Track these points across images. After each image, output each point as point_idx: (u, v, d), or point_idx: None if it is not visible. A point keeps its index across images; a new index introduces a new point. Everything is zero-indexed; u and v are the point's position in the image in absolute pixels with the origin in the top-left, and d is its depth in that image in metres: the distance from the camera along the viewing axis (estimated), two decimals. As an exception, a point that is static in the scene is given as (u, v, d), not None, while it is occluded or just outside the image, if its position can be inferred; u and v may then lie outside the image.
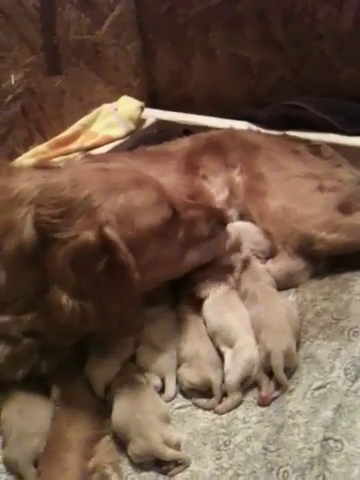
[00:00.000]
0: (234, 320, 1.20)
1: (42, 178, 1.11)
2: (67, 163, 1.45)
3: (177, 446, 1.02)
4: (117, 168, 1.17)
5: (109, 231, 1.00)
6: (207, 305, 1.26)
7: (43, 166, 1.23)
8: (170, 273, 1.23)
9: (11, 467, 1.02)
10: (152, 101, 2.39)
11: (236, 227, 1.44)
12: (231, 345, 1.16)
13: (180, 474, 0.99)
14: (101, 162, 1.46)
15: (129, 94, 2.23)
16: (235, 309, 1.24)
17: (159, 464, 1.00)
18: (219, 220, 1.29)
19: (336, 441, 0.97)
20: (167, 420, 1.06)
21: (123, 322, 1.06)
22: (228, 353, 1.16)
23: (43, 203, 1.03)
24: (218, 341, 1.19)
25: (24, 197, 1.06)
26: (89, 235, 0.99)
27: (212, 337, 1.21)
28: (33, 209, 1.03)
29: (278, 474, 0.95)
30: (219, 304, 1.25)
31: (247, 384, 1.11)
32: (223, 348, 1.18)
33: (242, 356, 1.12)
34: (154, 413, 1.04)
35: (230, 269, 1.34)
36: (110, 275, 1.00)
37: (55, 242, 1.00)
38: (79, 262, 0.99)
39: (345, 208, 1.39)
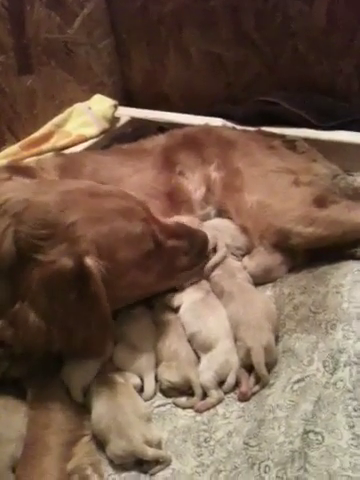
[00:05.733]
0: (214, 324, 1.19)
1: (31, 192, 1.09)
2: (38, 164, 1.44)
3: (158, 445, 1.02)
4: (108, 192, 1.14)
5: (89, 262, 0.99)
6: (185, 309, 1.24)
7: (14, 167, 1.20)
8: (145, 295, 1.24)
9: (-12, 474, 1.01)
10: (127, 100, 2.37)
11: (213, 226, 1.44)
12: (208, 349, 1.15)
13: (161, 473, 0.98)
14: (77, 163, 1.45)
15: (103, 93, 2.20)
16: (214, 312, 1.23)
17: (140, 463, 1.00)
18: (200, 251, 1.28)
19: (316, 434, 0.96)
20: (148, 419, 1.06)
21: (88, 346, 1.06)
22: (204, 357, 1.15)
23: (26, 221, 1.02)
24: (195, 345, 1.18)
25: (7, 209, 1.05)
26: (68, 263, 0.99)
27: (190, 341, 1.19)
28: (15, 224, 1.02)
29: (259, 469, 0.95)
30: (198, 308, 1.24)
31: (227, 388, 1.11)
32: (200, 352, 1.17)
33: (217, 360, 1.12)
34: (134, 413, 1.03)
35: (206, 272, 1.33)
36: (81, 303, 1.00)
37: (33, 262, 0.99)
38: (53, 287, 0.99)
39: (321, 202, 1.40)
